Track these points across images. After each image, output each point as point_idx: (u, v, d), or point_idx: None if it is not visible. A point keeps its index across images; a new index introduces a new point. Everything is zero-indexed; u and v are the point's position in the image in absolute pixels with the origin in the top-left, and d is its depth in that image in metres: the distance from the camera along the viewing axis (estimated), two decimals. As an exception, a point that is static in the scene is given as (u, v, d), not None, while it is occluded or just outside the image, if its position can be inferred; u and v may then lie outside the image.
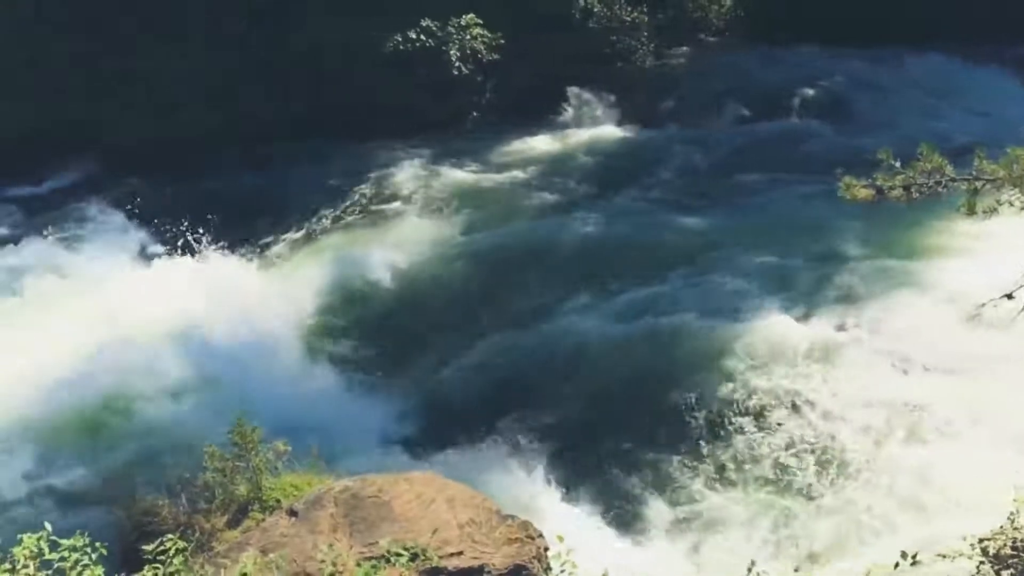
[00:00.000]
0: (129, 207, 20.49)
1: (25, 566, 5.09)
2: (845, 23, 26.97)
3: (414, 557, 7.18)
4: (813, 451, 11.93)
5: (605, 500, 11.35)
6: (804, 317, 14.36)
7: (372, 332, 16.15)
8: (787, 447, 12.04)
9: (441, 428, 13.02)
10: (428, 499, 9.16)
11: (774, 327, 13.83)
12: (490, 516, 9.04)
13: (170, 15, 24.33)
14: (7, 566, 5.11)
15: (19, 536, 5.30)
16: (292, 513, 8.75)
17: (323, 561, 6.80)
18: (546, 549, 8.64)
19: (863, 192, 6.68)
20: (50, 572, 5.18)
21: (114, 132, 23.23)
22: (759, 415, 12.69)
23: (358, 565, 6.59)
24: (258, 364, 14.45)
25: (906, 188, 6.68)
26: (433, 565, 7.62)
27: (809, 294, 14.94)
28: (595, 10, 26.94)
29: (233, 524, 9.01)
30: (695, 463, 11.99)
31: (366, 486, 9.21)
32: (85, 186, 22.45)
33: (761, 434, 12.24)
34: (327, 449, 11.08)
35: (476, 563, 8.26)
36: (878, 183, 6.74)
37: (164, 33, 24.16)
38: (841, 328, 14.04)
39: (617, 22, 27.17)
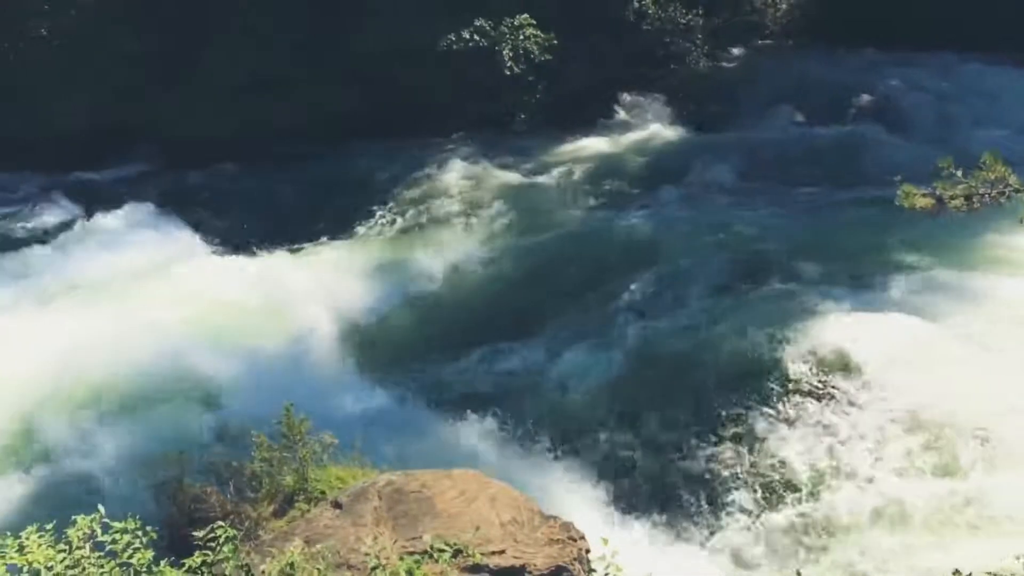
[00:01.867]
0: (184, 200, 20.86)
1: (79, 547, 5.21)
2: (903, 27, 26.49)
3: (456, 553, 7.20)
4: (867, 463, 11.71)
5: (648, 505, 11.27)
6: (857, 327, 14.09)
7: (418, 330, 16.24)
8: (838, 459, 11.84)
9: (483, 427, 13.01)
10: (470, 496, 9.18)
11: (825, 338, 13.59)
12: (532, 516, 9.03)
13: (231, 14, 24.70)
14: (62, 546, 5.23)
15: (73, 517, 5.43)
16: (337, 505, 8.83)
17: (367, 554, 6.85)
18: (587, 551, 8.61)
19: (923, 201, 6.52)
20: (102, 554, 5.29)
21: (174, 127, 23.68)
22: (808, 426, 12.49)
23: (401, 559, 6.64)
24: (304, 358, 14.63)
25: (967, 198, 6.51)
26: (475, 562, 7.64)
27: (863, 304, 14.64)
28: (649, 12, 26.79)
29: (279, 514, 9.13)
30: (743, 473, 11.84)
31: (409, 481, 9.27)
32: (145, 178, 22.94)
33: (809, 446, 12.05)
34: (370, 443, 11.18)
35: (518, 562, 8.25)
36: (938, 192, 6.58)
37: (224, 32, 24.55)
38: (896, 341, 13.75)
39: (671, 24, 26.99)
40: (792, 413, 12.70)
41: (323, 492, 9.28)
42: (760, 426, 12.58)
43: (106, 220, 19.70)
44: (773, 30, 30.86)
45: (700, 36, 27.48)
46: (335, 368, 14.67)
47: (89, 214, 20.22)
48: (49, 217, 21.03)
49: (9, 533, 5.31)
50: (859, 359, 13.14)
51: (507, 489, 9.40)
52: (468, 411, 13.40)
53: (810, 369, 13.23)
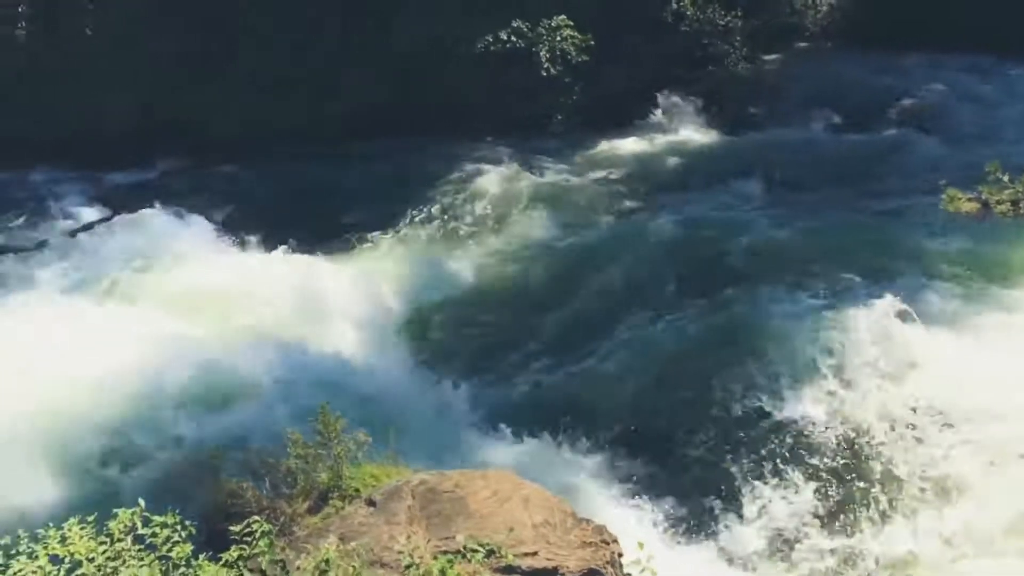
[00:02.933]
0: (219, 199, 21.08)
1: (120, 539, 5.27)
2: (946, 30, 26.09)
3: (489, 554, 7.21)
4: (911, 471, 11.57)
5: (683, 510, 11.20)
6: (894, 334, 13.90)
7: (452, 330, 16.27)
8: (878, 465, 11.71)
9: (517, 427, 13.00)
10: (503, 497, 9.18)
11: (864, 344, 13.42)
12: (565, 518, 9.02)
13: (271, 14, 24.92)
14: (103, 538, 5.30)
15: (114, 511, 5.50)
16: (371, 503, 8.88)
17: (401, 552, 6.88)
18: (620, 555, 8.58)
19: (968, 205, 6.44)
20: (142, 547, 5.36)
21: (208, 125, 23.91)
22: (845, 431, 12.35)
23: (434, 558, 6.66)
24: (339, 356, 14.72)
25: (1014, 203, 6.42)
26: (507, 563, 7.64)
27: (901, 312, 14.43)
28: (688, 13, 26.62)
29: (313, 510, 9.19)
30: (780, 479, 11.74)
31: (443, 480, 9.29)
32: (182, 176, 23.17)
33: (850, 451, 11.91)
34: (403, 442, 11.22)
35: (550, 564, 8.24)
36: (984, 196, 6.49)
37: (258, 30, 24.78)
38: (936, 346, 13.55)
39: (709, 26, 26.79)
40: (824, 420, 12.58)
41: (357, 490, 9.32)
42: (793, 433, 12.46)
43: (142, 217, 19.89)
44: (812, 32, 30.53)
45: (739, 38, 27.24)
46: (367, 365, 14.75)
47: (126, 211, 20.46)
48: (87, 214, 21.33)
49: (51, 524, 5.39)
50: (888, 367, 13.00)
51: (540, 490, 9.40)
52: (501, 410, 13.41)
53: (835, 376, 13.10)
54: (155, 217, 19.81)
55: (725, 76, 26.85)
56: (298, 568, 5.84)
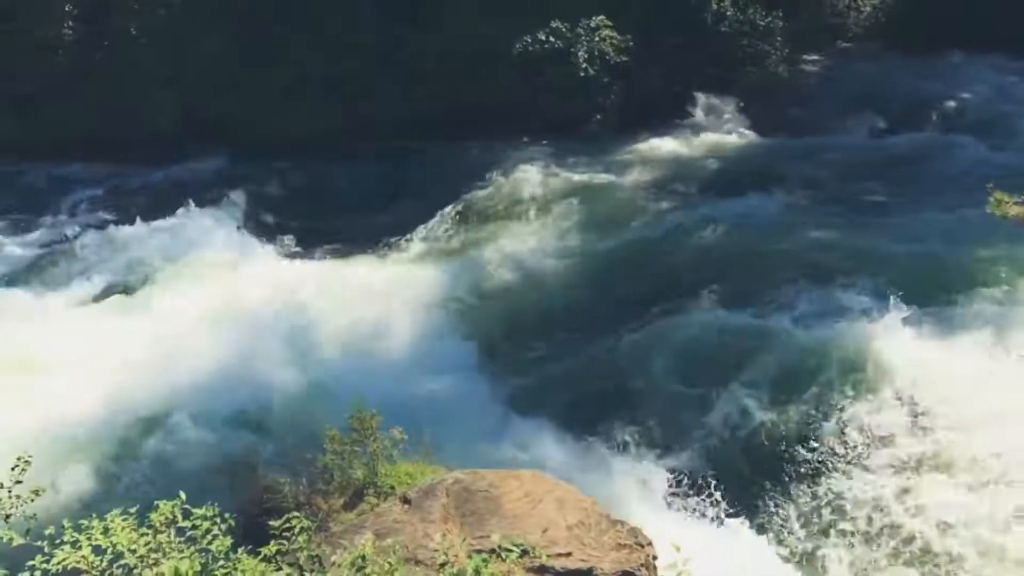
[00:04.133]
0: (261, 197, 21.30)
1: (161, 531, 5.34)
2: (990, 31, 25.62)
3: (523, 554, 7.21)
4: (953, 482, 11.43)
5: (721, 514, 11.11)
6: (937, 342, 13.67)
7: (489, 328, 16.28)
8: (915, 471, 11.55)
9: (552, 427, 12.99)
10: (537, 498, 9.17)
11: (904, 351, 13.23)
12: (599, 520, 8.99)
13: (311, 14, 25.12)
14: (145, 530, 5.37)
15: (156, 503, 5.57)
16: (406, 501, 8.92)
17: (436, 550, 6.90)
18: (655, 558, 8.53)
19: (1016, 209, 6.33)
20: (183, 539, 5.42)
21: (255, 124, 24.15)
22: (879, 435, 12.20)
23: (469, 557, 6.67)
24: (376, 354, 14.81)
25: (1064, 208, 6.29)
26: (541, 564, 7.64)
27: (942, 320, 14.17)
28: (728, 14, 26.41)
29: (349, 507, 9.25)
30: (816, 483, 11.62)
31: (477, 480, 9.30)
32: (226, 174, 23.42)
33: (886, 457, 11.77)
34: (438, 439, 11.26)
35: (584, 565, 8.22)
36: (1033, 201, 6.37)
37: (301, 32, 24.98)
38: (980, 356, 13.31)
39: (750, 26, 26.56)
40: (858, 425, 12.44)
41: (392, 487, 9.37)
42: (832, 436, 12.33)
43: (187, 217, 20.17)
44: (855, 33, 30.15)
45: (779, 39, 26.97)
46: (404, 363, 14.81)
47: (170, 210, 20.72)
48: (129, 212, 21.63)
49: (95, 515, 5.47)
50: (914, 380, 12.82)
51: (574, 491, 9.38)
52: (536, 409, 13.40)
53: (870, 382, 12.94)
54: (195, 217, 20.05)
55: (765, 77, 26.61)
56: (334, 563, 5.88)
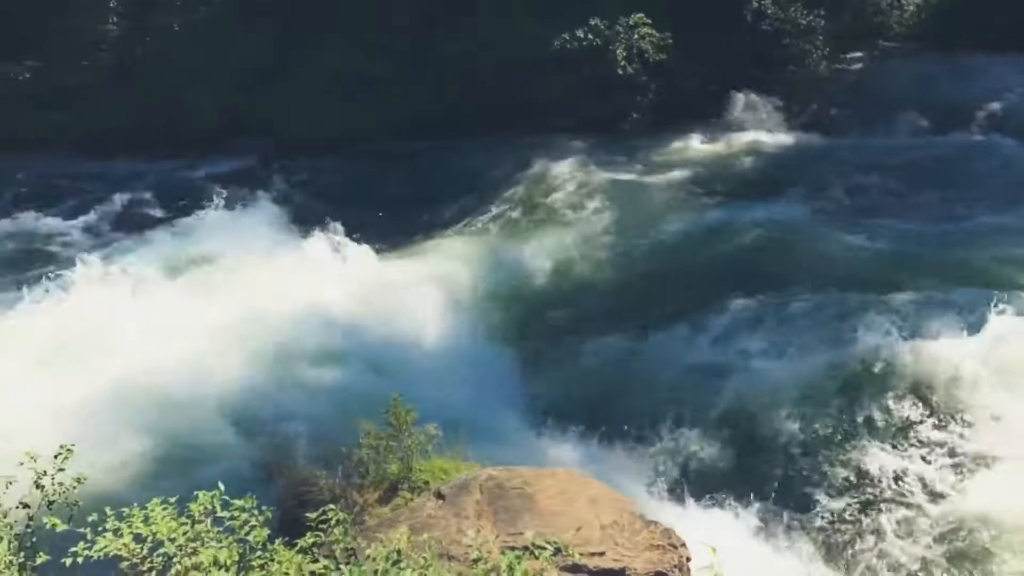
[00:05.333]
0: (297, 194, 21.49)
1: (200, 521, 5.42)
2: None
3: (557, 552, 7.20)
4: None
5: (758, 517, 11.01)
6: (982, 350, 13.42)
7: (523, 326, 16.30)
8: (955, 479, 11.39)
9: (586, 425, 12.96)
10: (571, 496, 9.17)
11: (948, 358, 13.02)
12: (632, 520, 8.95)
13: (344, 13, 25.27)
14: (184, 519, 5.45)
15: (195, 493, 5.65)
16: (439, 496, 8.95)
17: (469, 546, 6.91)
18: (688, 559, 8.49)
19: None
20: (221, 529, 5.49)
21: (286, 122, 24.35)
22: (921, 442, 12.03)
23: (502, 554, 6.68)
24: (410, 350, 14.87)
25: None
26: (574, 562, 7.63)
27: (988, 328, 13.89)
28: (768, 12, 26.17)
29: (383, 501, 9.31)
30: (858, 489, 11.49)
31: (511, 477, 9.31)
32: (259, 170, 23.67)
33: (931, 466, 11.61)
34: (471, 436, 11.29)
35: (617, 565, 8.20)
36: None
37: (335, 29, 25.15)
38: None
39: (791, 25, 26.29)
40: (904, 434, 12.28)
41: (426, 482, 9.42)
42: (869, 442, 12.19)
43: (224, 212, 20.38)
44: (898, 32, 29.71)
45: (820, 37, 26.66)
46: (437, 359, 14.86)
47: (208, 205, 20.96)
48: (169, 206, 21.93)
49: (136, 504, 5.56)
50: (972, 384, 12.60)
51: (608, 491, 9.36)
52: (569, 406, 13.39)
53: (921, 395, 12.75)
54: (232, 213, 20.26)
55: (805, 76, 26.34)
56: (368, 557, 5.91)
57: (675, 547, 8.62)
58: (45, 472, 5.70)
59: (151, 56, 25.67)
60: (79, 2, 25.59)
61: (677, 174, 22.05)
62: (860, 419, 12.49)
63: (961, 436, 12.12)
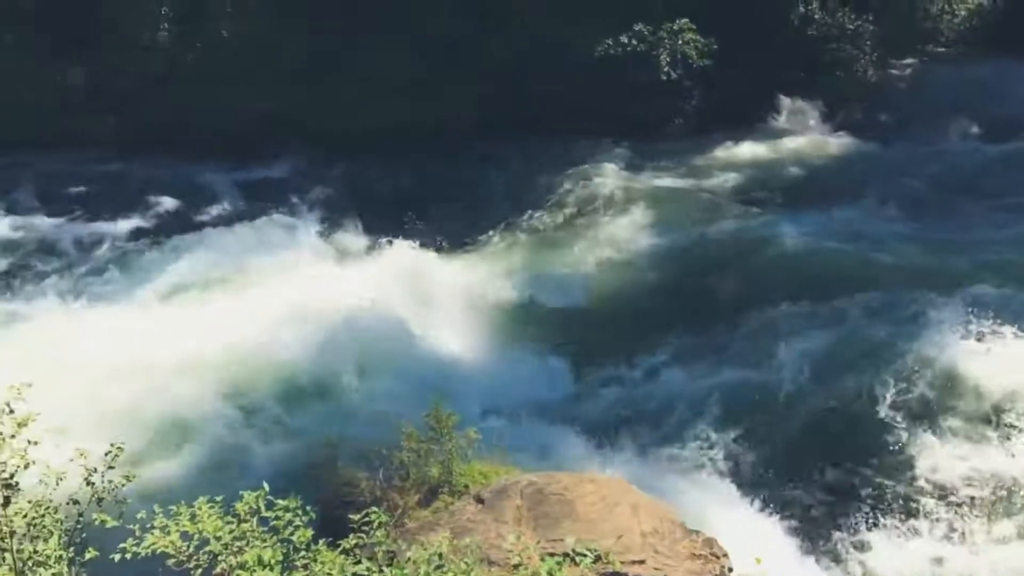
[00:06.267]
0: (340, 194, 21.66)
1: (245, 520, 5.48)
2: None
3: (597, 559, 7.17)
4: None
5: (801, 528, 10.86)
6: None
7: (563, 329, 16.26)
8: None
9: (626, 431, 12.89)
10: (612, 503, 9.11)
11: (999, 368, 12.75)
12: (674, 528, 8.88)
13: (387, 13, 25.45)
14: (230, 518, 5.51)
15: (240, 492, 5.71)
16: (479, 500, 8.96)
17: (509, 551, 6.91)
18: (730, 570, 8.40)
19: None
20: (265, 529, 5.55)
21: (335, 123, 24.56)
22: (974, 452, 11.79)
23: (542, 559, 6.66)
24: (450, 355, 14.91)
25: None
26: (615, 570, 7.58)
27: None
28: (816, 17, 25.91)
29: (424, 504, 9.35)
30: (906, 498, 11.28)
31: (552, 482, 9.29)
32: (301, 173, 23.89)
33: (981, 476, 11.38)
34: (511, 440, 11.30)
35: (657, 574, 8.13)
36: None
37: (384, 35, 25.33)
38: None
39: (838, 30, 26.01)
40: (953, 445, 12.04)
41: (466, 486, 9.43)
42: (917, 452, 11.96)
43: (273, 214, 20.59)
44: (949, 38, 29.26)
45: (869, 42, 26.33)
46: (477, 363, 14.89)
47: (256, 208, 21.22)
48: (217, 209, 22.24)
49: (183, 502, 5.64)
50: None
51: (649, 498, 9.29)
52: (610, 412, 13.33)
53: (975, 407, 12.50)
54: (272, 215, 20.46)
55: (853, 81, 26.03)
56: (409, 559, 5.94)
57: (717, 557, 8.53)
58: (95, 469, 5.79)
59: (199, 61, 26.09)
60: (132, 9, 26.08)
61: (721, 180, 21.88)
62: (912, 429, 12.24)
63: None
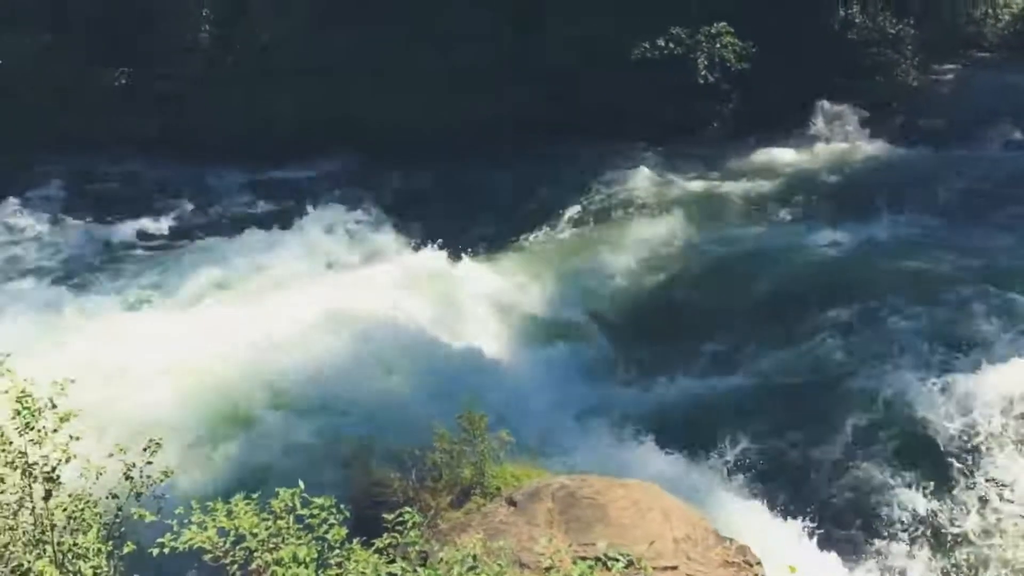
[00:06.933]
0: (381, 198, 21.79)
1: (281, 517, 5.54)
2: None
3: (628, 564, 7.15)
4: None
5: (836, 539, 10.72)
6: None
7: (593, 333, 16.25)
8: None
9: (656, 435, 12.78)
10: (644, 508, 9.07)
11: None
12: (706, 535, 8.83)
13: (430, 18, 25.57)
14: (266, 515, 5.58)
15: (276, 490, 5.77)
16: (511, 503, 8.97)
17: (541, 554, 6.92)
18: (763, 578, 8.33)
19: None
20: (300, 526, 5.60)
21: (373, 126, 24.70)
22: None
23: (574, 563, 6.66)
24: (485, 356, 14.94)
25: None
26: (646, 576, 7.55)
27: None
28: (856, 21, 25.62)
29: (456, 505, 9.37)
30: (948, 509, 11.10)
31: (583, 486, 9.27)
32: (345, 176, 24.07)
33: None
34: (544, 443, 11.29)
35: (690, 581, 8.09)
36: None
37: (422, 36, 25.45)
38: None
39: (879, 34, 25.69)
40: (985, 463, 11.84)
41: (498, 488, 9.44)
42: (973, 467, 11.77)
43: (308, 216, 20.77)
44: (992, 43, 28.81)
45: (910, 47, 25.97)
46: (510, 366, 14.92)
47: (292, 209, 21.41)
48: (254, 210, 22.48)
49: (220, 498, 5.71)
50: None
51: (681, 504, 9.24)
52: (641, 417, 13.25)
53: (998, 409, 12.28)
54: (313, 216, 20.63)
55: (893, 86, 25.70)
56: (442, 560, 5.96)
57: (750, 565, 8.47)
58: (134, 464, 5.89)
59: (240, 63, 26.36)
60: (173, 11, 26.42)
61: (757, 185, 21.69)
62: (965, 444, 12.05)
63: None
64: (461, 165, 23.26)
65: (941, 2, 28.01)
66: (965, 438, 12.03)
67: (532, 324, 16.20)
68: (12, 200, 22.68)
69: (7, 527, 5.71)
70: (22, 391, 5.73)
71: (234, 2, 26.84)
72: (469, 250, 18.73)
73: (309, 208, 21.08)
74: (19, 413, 5.66)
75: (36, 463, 5.70)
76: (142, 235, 21.36)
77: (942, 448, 11.94)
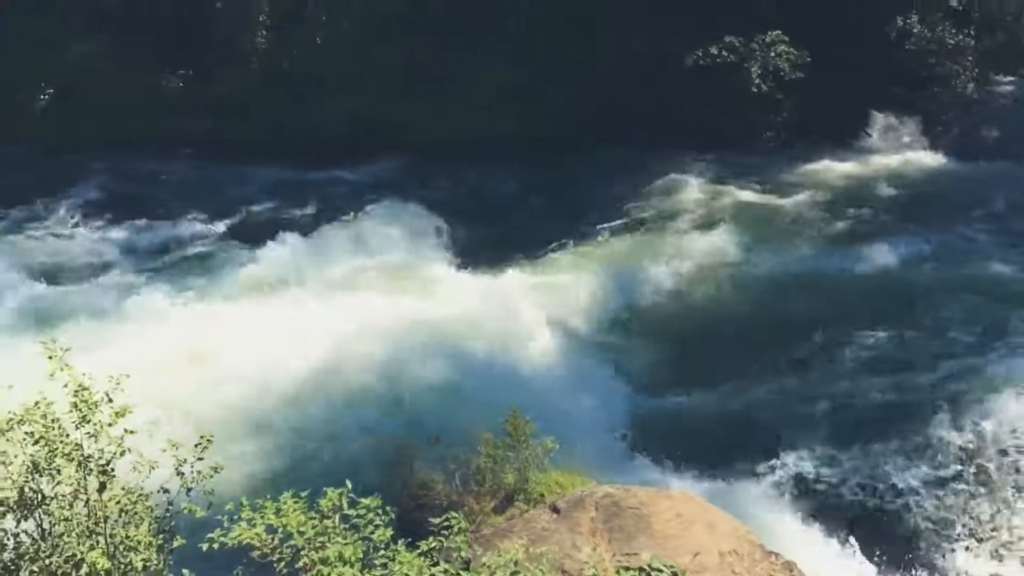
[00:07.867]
0: (424, 200, 21.89)
1: (328, 516, 5.59)
2: None
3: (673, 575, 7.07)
4: None
5: (884, 558, 10.52)
6: None
7: (639, 343, 16.14)
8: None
9: (701, 448, 12.70)
10: (688, 520, 9.02)
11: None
12: (752, 549, 8.74)
13: (480, 24, 25.63)
14: (313, 514, 5.63)
15: (324, 489, 5.82)
16: (554, 510, 8.97)
17: (585, 562, 6.89)
18: (810, 594, 8.21)
19: None
20: (347, 526, 5.64)
21: (424, 131, 24.82)
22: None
23: (617, 573, 6.62)
24: (529, 362, 14.94)
25: None
26: (691, 588, 7.47)
27: None
28: (915, 31, 25.13)
29: (499, 510, 9.38)
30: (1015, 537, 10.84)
31: (628, 496, 9.24)
32: (392, 179, 24.20)
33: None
34: (586, 452, 11.21)
35: (734, 594, 8.01)
36: None
37: (472, 41, 25.53)
38: None
39: (938, 45, 25.17)
40: None
41: (542, 495, 9.44)
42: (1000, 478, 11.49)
43: (353, 219, 20.94)
44: (1056, 54, 28.03)
45: (970, 58, 25.41)
46: (558, 373, 14.87)
47: (337, 211, 21.56)
48: (300, 211, 22.68)
49: (269, 496, 5.77)
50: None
51: (727, 518, 9.16)
52: (687, 428, 13.15)
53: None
54: (360, 220, 20.77)
55: (951, 98, 25.17)
56: (484, 565, 5.96)
57: (796, 581, 8.36)
58: (185, 460, 5.97)
59: (296, 67, 26.70)
60: (232, 15, 26.85)
61: (809, 197, 21.38)
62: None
63: None
64: (509, 172, 23.28)
65: (1004, 13, 27.34)
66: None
67: (577, 333, 16.15)
68: (73, 198, 23.21)
69: (63, 518, 5.82)
70: (79, 386, 5.85)
71: (292, 7, 27.19)
72: (517, 255, 18.73)
73: (361, 210, 21.20)
74: (76, 407, 5.78)
75: (92, 456, 5.81)
76: (196, 235, 21.69)
77: (1012, 474, 11.63)
